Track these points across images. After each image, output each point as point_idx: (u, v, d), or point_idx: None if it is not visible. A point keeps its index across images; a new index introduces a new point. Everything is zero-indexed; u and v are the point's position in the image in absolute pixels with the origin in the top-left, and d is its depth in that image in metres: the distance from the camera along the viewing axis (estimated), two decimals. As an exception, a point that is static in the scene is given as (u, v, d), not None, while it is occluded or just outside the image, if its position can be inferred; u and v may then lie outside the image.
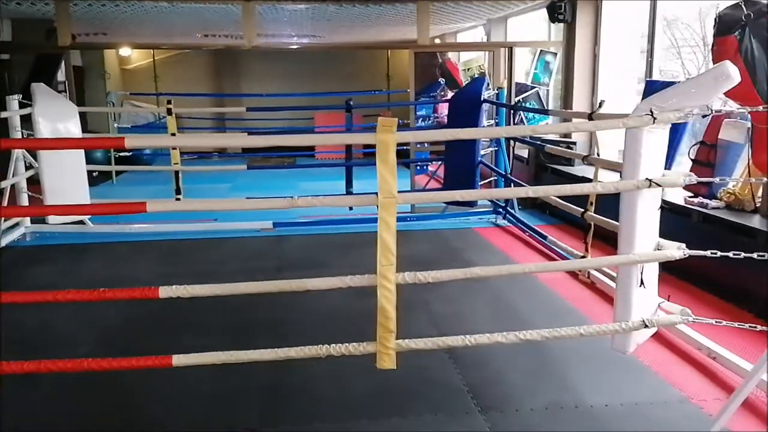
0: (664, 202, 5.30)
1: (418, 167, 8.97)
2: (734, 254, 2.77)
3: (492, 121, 7.61)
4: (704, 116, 2.79)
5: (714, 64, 3.95)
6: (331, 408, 3.15)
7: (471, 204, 6.78)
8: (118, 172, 11.01)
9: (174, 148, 6.77)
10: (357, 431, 2.95)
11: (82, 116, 11.88)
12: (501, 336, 2.81)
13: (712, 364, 3.54)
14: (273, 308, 4.33)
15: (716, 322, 2.93)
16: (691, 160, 5.43)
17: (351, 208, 6.98)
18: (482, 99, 6.41)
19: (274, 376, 3.39)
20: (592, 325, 2.89)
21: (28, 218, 6.59)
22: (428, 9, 7.70)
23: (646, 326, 2.86)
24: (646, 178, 2.74)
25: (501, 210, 7.16)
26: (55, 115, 6.04)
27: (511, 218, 6.96)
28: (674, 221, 5.23)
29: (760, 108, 3.11)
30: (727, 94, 4.00)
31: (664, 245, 3.00)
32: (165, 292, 2.53)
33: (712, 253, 2.80)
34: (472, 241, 6.49)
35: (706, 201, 5.00)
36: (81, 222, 6.77)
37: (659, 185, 2.76)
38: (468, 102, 6.40)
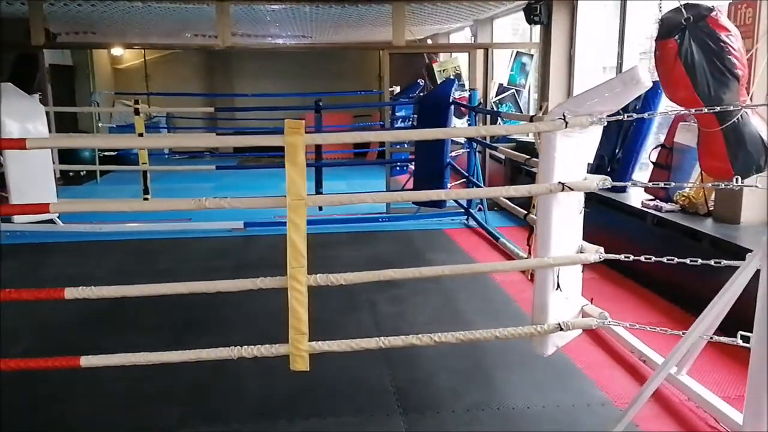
0: (622, 204, 5.40)
1: (398, 167, 9.00)
2: (646, 258, 2.77)
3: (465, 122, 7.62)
4: (617, 121, 2.78)
5: (656, 68, 3.95)
6: (251, 409, 3.16)
7: (439, 205, 6.78)
8: (103, 172, 11.10)
9: (141, 149, 6.79)
10: (271, 431, 2.96)
11: (72, 116, 12.09)
12: (415, 338, 2.82)
13: (643, 367, 3.54)
14: (223, 307, 4.36)
15: (630, 325, 2.93)
16: (652, 163, 5.43)
17: (320, 209, 7.00)
18: (450, 101, 6.41)
19: (201, 375, 3.41)
20: (507, 328, 2.89)
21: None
22: (403, 10, 7.70)
23: (561, 329, 2.87)
24: (559, 182, 2.74)
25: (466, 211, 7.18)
26: (22, 115, 6.10)
27: (474, 219, 6.98)
28: (630, 224, 5.25)
29: (695, 110, 3.08)
30: (672, 99, 4.00)
31: (586, 248, 3.01)
32: (70, 293, 2.55)
33: (625, 257, 2.80)
34: (438, 242, 6.49)
35: (661, 204, 4.99)
36: (51, 221, 6.81)
37: (572, 189, 2.76)
38: (435, 103, 6.40)
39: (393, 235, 6.78)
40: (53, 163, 9.08)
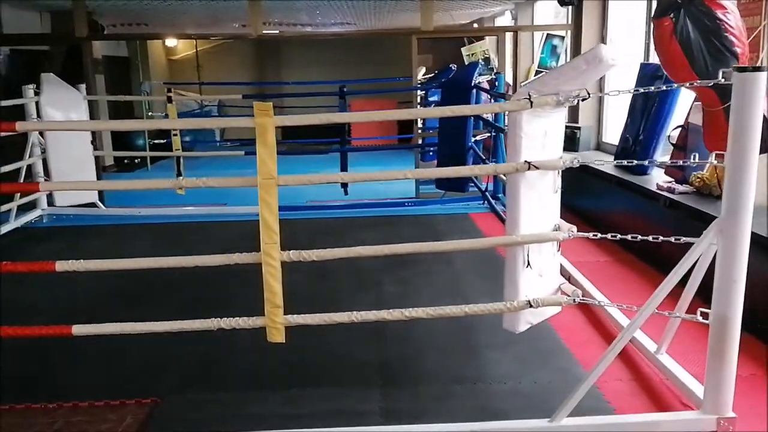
0: (639, 187, 5.32)
1: (430, 152, 9.06)
2: (632, 237, 2.77)
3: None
4: (583, 100, 2.80)
5: (654, 46, 3.91)
6: (241, 379, 3.34)
7: (461, 188, 6.82)
8: (155, 159, 11.59)
9: (175, 134, 7.09)
10: (254, 400, 3.13)
11: (128, 105, 12.62)
12: (387, 313, 2.92)
13: (631, 348, 3.53)
14: (241, 285, 4.56)
15: (599, 303, 2.95)
16: (671, 144, 5.33)
17: (346, 193, 7.16)
18: (472, 85, 6.43)
19: (202, 348, 3.61)
20: (477, 305, 2.96)
21: (45, 200, 7.08)
22: (431, -5, 7.74)
23: (531, 306, 2.92)
24: (525, 161, 2.79)
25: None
26: (61, 104, 6.48)
27: (488, 203, 7.00)
28: (645, 206, 5.18)
29: (695, 83, 3.03)
30: (673, 79, 3.94)
31: (562, 227, 3.04)
32: (61, 266, 2.77)
33: (593, 235, 2.83)
34: (460, 226, 6.55)
35: (675, 186, 4.90)
36: (94, 205, 7.21)
37: (538, 168, 2.80)
38: (456, 88, 6.44)
39: (418, 219, 6.87)
40: (103, 149, 9.61)
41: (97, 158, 7.23)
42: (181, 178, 7.15)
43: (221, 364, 3.51)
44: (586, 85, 2.84)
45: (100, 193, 7.45)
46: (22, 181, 6.61)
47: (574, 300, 2.96)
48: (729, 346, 2.51)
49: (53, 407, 3.09)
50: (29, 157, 6.72)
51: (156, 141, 11.62)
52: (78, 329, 2.83)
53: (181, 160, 7.17)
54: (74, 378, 3.41)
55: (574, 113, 7.86)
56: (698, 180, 4.81)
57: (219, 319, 2.86)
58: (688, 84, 3.04)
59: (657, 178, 5.45)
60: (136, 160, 11.94)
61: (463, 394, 3.12)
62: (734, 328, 2.49)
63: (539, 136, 2.88)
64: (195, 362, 3.55)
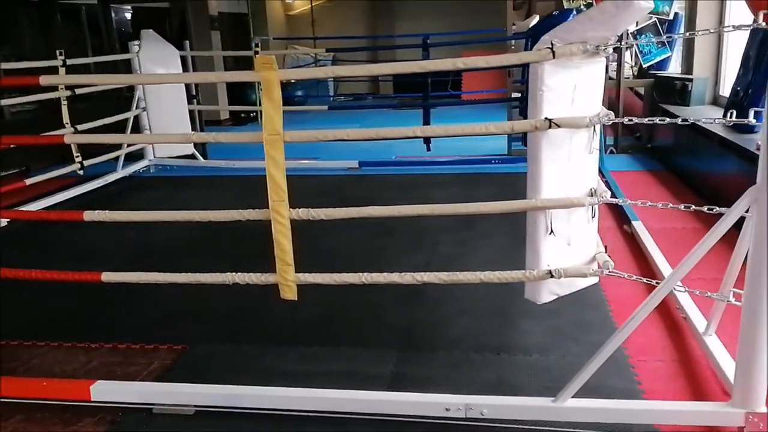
0: (738, 147, 4.75)
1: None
2: (708, 208, 2.43)
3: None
4: (615, 49, 2.48)
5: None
6: (266, 333, 3.39)
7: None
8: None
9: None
10: (272, 354, 3.16)
11: (248, 60, 13.02)
12: (398, 276, 2.81)
13: (684, 326, 3.20)
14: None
15: (628, 276, 2.66)
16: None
17: (429, 149, 7.00)
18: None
19: (237, 300, 3.68)
20: (495, 272, 2.78)
21: (152, 151, 7.51)
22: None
23: (552, 276, 2.70)
24: (546, 118, 2.54)
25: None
26: (159, 60, 6.79)
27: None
28: (744, 168, 4.63)
29: None
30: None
31: (601, 193, 2.77)
32: (89, 216, 2.90)
33: (676, 204, 2.55)
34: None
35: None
36: (193, 156, 7.57)
37: (559, 126, 2.54)
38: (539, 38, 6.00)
39: (504, 177, 6.60)
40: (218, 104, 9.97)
41: (194, 112, 7.52)
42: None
43: (253, 317, 3.57)
44: (617, 31, 2.51)
45: (201, 146, 7.80)
46: (129, 132, 7.05)
47: (602, 272, 2.70)
48: (763, 332, 2.18)
49: (95, 347, 3.30)
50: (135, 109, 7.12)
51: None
52: (107, 276, 2.97)
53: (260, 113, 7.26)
54: (124, 321, 3.62)
55: (688, 63, 7.15)
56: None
57: (234, 274, 2.89)
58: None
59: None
60: (252, 114, 12.36)
61: (481, 364, 2.97)
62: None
63: (567, 91, 2.60)
64: (229, 313, 3.65)
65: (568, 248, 2.80)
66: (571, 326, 3.28)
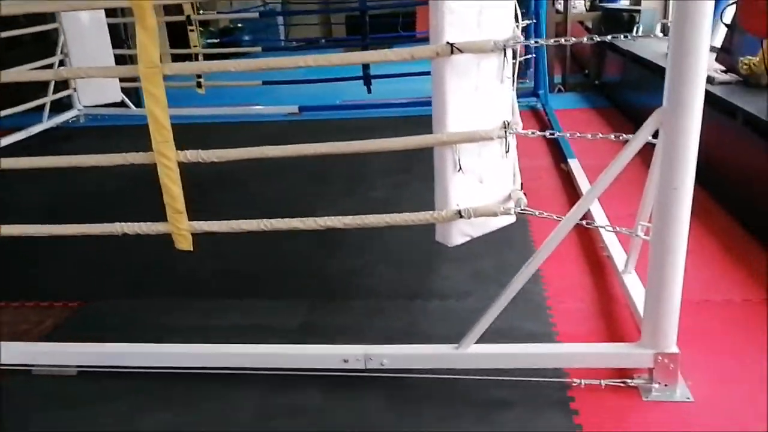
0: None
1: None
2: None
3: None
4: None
5: None
6: (170, 286, 3.21)
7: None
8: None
9: (191, 30, 6.78)
10: (176, 309, 2.96)
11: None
12: (299, 221, 2.60)
13: (607, 266, 3.06)
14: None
15: (538, 213, 2.48)
16: (724, 24, 4.49)
17: (369, 92, 6.73)
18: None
19: (144, 249, 3.42)
20: (400, 214, 2.58)
21: (80, 100, 7.10)
22: None
23: (461, 216, 2.52)
24: (448, 43, 2.31)
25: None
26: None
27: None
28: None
29: None
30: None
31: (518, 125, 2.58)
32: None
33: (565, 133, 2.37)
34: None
35: (718, 75, 4.17)
36: (124, 105, 7.18)
37: (462, 51, 2.32)
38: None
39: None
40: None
41: (126, 57, 7.08)
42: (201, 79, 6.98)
43: (161, 270, 3.34)
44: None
45: (135, 94, 7.42)
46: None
47: (510, 210, 2.52)
48: (671, 268, 2.03)
49: (-14, 306, 3.07)
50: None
51: (209, 41, 11.53)
52: (6, 229, 2.70)
53: (200, 57, 6.89)
54: (22, 278, 3.38)
55: (635, -7, 6.93)
56: (745, 67, 4.05)
57: (123, 224, 2.66)
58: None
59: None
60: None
61: (394, 312, 2.81)
62: (677, 247, 2.00)
63: (471, 14, 2.38)
64: (134, 267, 3.42)
65: (480, 186, 2.62)
66: (494, 269, 3.13)
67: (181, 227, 2.61)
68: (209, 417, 2.20)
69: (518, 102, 6.68)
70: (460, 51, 2.31)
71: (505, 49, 2.49)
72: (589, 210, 3.53)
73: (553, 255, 3.22)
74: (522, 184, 2.75)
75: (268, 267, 3.33)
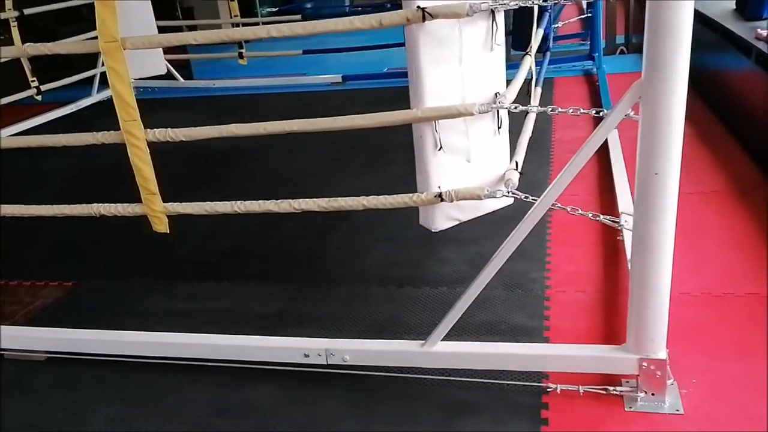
0: (736, 37, 4.09)
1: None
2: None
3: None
4: None
5: None
6: (159, 267, 3.14)
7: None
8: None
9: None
10: (160, 291, 2.89)
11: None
12: (273, 204, 2.45)
13: (621, 251, 2.75)
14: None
15: (525, 197, 2.21)
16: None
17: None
18: None
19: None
20: (377, 197, 2.38)
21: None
22: None
23: (442, 199, 2.29)
24: (418, 7, 2.07)
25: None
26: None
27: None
28: (740, 61, 4.01)
29: None
30: None
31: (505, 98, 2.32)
32: None
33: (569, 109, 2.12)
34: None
35: (771, 34, 3.70)
36: (172, 77, 7.21)
37: (432, 16, 2.07)
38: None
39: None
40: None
41: (179, 29, 7.09)
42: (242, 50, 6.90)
43: (158, 250, 3.26)
44: None
45: (186, 66, 7.46)
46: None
47: (494, 194, 2.27)
48: (656, 264, 1.76)
49: (-14, 285, 3.11)
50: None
51: (269, 8, 11.46)
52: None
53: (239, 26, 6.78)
54: (24, 257, 3.39)
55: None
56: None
57: (100, 205, 2.59)
58: None
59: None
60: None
61: (379, 299, 2.63)
62: (661, 240, 1.72)
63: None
64: (129, 247, 3.35)
65: (467, 166, 2.39)
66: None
67: (156, 209, 2.53)
68: (159, 411, 2.11)
69: (574, 66, 6.32)
70: (432, 16, 2.07)
71: (493, 13, 2.25)
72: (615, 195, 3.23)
73: (565, 239, 3.00)
74: (517, 163, 2.48)
75: (262, 247, 3.21)
